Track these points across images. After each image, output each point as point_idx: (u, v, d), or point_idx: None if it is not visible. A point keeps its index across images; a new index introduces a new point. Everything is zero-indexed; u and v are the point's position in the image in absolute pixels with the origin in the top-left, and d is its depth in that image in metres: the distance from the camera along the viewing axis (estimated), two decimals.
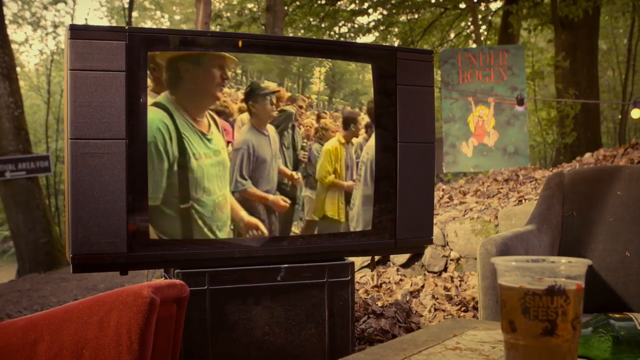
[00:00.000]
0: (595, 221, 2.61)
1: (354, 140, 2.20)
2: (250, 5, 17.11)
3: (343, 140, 2.19)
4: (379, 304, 3.18)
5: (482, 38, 16.66)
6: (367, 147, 2.21)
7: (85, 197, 1.86)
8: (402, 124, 2.23)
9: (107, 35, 1.88)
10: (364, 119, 2.21)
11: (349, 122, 2.20)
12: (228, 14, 15.27)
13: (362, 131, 2.21)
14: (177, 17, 25.80)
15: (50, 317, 1.37)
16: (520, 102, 6.38)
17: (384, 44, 14.57)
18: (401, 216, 2.24)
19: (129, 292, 1.30)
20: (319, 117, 2.16)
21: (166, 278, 2.24)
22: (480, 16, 16.60)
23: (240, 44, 2.04)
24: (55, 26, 19.03)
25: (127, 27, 1.91)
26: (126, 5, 17.92)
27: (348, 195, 2.20)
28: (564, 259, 0.96)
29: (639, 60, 20.28)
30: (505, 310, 0.92)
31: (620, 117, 19.26)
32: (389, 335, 2.68)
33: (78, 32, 1.85)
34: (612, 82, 22.86)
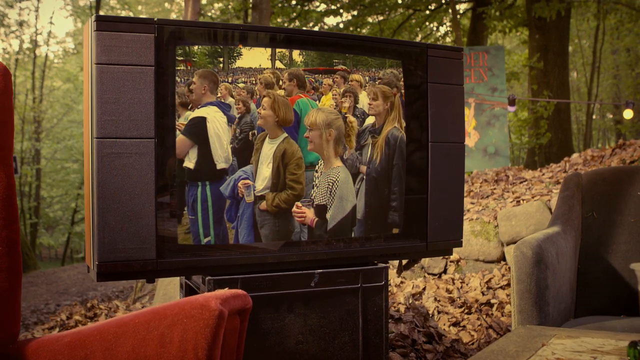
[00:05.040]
0: (616, 222, 2.58)
1: None
2: (218, 5, 16.94)
3: None
4: (395, 307, 3.10)
5: (448, 40, 16.78)
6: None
7: (113, 200, 1.74)
8: (433, 123, 2.16)
9: (135, 27, 1.76)
10: None
11: None
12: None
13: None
14: (143, 17, 25.38)
15: (101, 332, 1.25)
16: (512, 102, 6.38)
17: None
18: (432, 218, 2.17)
19: (194, 304, 1.19)
20: None
21: (188, 284, 2.13)
22: (448, 18, 16.71)
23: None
24: (20, 24, 18.53)
25: (156, 19, 1.79)
26: (93, 4, 17.55)
27: None
28: None
29: (604, 63, 20.70)
30: None
31: (585, 118, 19.57)
32: (408, 340, 2.61)
33: (105, 24, 1.73)
34: (577, 84, 23.26)
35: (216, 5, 17.17)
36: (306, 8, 14.84)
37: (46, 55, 22.28)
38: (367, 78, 2.07)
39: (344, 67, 2.04)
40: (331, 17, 15.28)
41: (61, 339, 1.28)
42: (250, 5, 12.43)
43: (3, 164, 1.40)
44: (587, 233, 2.60)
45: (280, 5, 14.03)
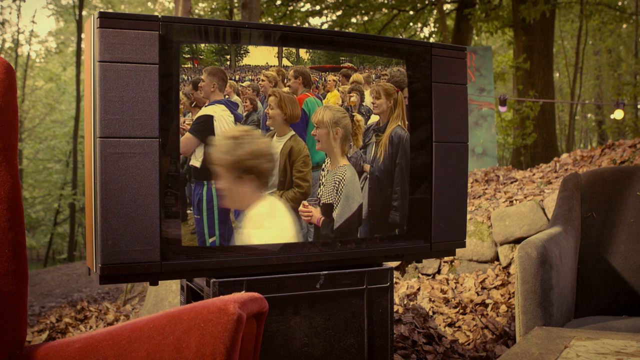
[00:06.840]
0: (616, 222, 2.59)
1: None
2: (203, 5, 16.86)
3: None
4: (394, 309, 3.08)
5: (432, 40, 16.85)
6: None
7: (116, 201, 1.70)
8: (437, 123, 2.14)
9: (139, 25, 1.72)
10: None
11: None
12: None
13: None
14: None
15: (114, 337, 1.21)
16: (503, 102, 6.40)
17: None
18: (436, 219, 2.15)
19: (212, 308, 1.16)
20: None
21: (189, 286, 2.10)
22: (433, 19, 16.78)
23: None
24: (1, 23, 18.29)
25: (160, 16, 1.75)
26: (75, 3, 17.39)
27: None
28: None
29: (586, 64, 20.89)
30: None
31: (568, 119, 19.72)
32: (408, 342, 2.59)
33: (108, 21, 1.69)
34: (559, 84, 23.45)
35: (200, 5, 17.10)
36: (291, 8, 14.82)
37: (28, 55, 22.00)
38: (373, 76, 2.05)
39: (350, 64, 2.02)
40: (316, 17, 15.28)
41: (72, 344, 1.24)
42: (237, 4, 12.39)
43: (8, 164, 1.36)
44: (587, 233, 2.60)
45: (265, 5, 13.99)
